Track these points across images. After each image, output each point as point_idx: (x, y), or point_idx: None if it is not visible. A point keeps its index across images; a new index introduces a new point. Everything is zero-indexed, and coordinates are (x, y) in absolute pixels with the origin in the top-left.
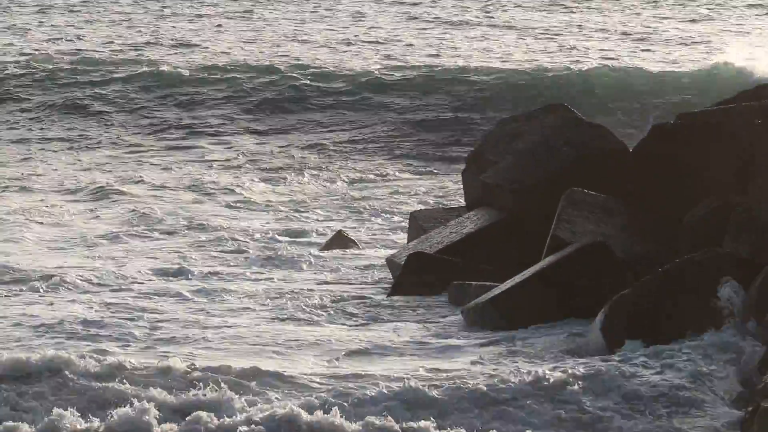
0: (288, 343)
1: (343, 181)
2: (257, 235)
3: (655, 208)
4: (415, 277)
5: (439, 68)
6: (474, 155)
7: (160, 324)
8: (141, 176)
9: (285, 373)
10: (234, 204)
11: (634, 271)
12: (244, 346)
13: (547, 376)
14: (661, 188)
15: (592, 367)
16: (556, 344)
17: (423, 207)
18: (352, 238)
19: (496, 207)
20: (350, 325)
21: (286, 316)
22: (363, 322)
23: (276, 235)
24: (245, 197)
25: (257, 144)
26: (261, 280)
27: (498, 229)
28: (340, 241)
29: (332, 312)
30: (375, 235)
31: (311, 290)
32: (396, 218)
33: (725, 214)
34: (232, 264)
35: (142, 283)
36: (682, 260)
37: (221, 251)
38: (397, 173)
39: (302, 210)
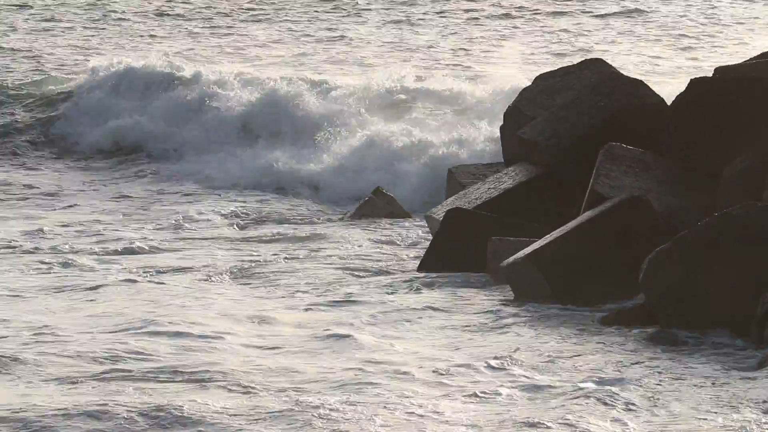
0: None
1: None
2: None
3: (694, 162)
4: (453, 233)
5: None
6: (511, 111)
7: None
8: None
9: None
10: None
11: (673, 226)
12: None
13: None
14: (699, 143)
15: None
16: None
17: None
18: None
19: (533, 163)
20: None
21: None
22: None
23: None
24: None
25: None
26: None
27: (536, 185)
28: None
29: None
30: None
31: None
32: None
33: (764, 169)
34: None
35: None
36: (720, 214)
37: None
38: None
39: None
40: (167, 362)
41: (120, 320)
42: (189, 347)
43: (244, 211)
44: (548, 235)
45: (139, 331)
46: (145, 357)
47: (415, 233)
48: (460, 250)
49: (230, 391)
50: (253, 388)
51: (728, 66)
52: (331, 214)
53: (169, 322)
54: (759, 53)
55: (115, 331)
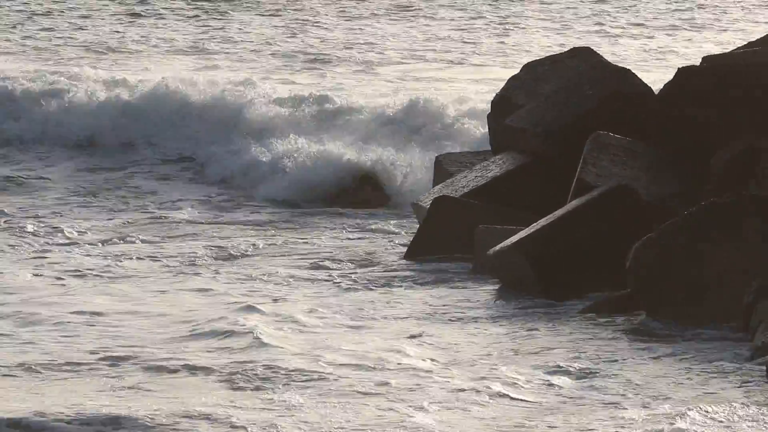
0: None
1: None
2: None
3: (681, 151)
4: (440, 221)
5: None
6: (499, 99)
7: None
8: None
9: None
10: None
11: (660, 214)
12: None
13: None
14: (686, 131)
15: None
16: None
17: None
18: None
19: (521, 151)
20: None
21: None
22: None
23: None
24: None
25: None
26: None
27: (523, 173)
28: None
29: None
30: None
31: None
32: None
33: (751, 158)
34: None
35: None
36: (707, 203)
37: None
38: None
39: None
40: None
41: None
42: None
43: None
44: (535, 224)
45: None
46: None
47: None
48: (447, 238)
49: None
50: None
51: (715, 55)
52: None
53: None
54: (747, 42)
55: None
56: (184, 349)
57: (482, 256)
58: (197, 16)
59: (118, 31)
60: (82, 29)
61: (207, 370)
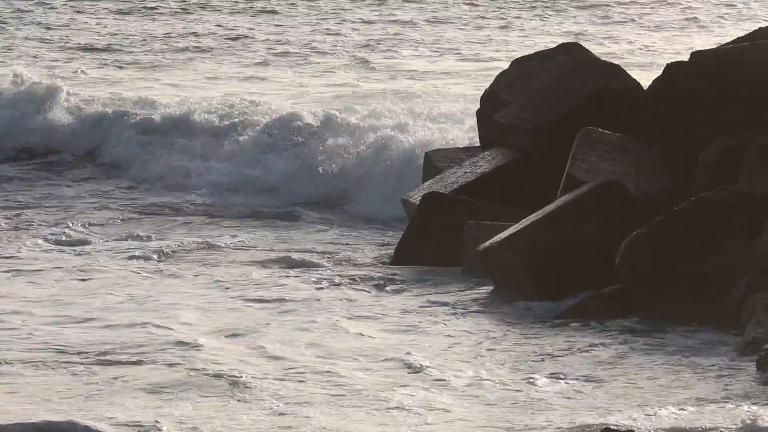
0: None
1: None
2: None
3: (670, 147)
4: (429, 217)
5: None
6: (488, 94)
7: None
8: None
9: None
10: None
11: (649, 210)
12: None
13: None
14: (675, 127)
15: None
16: None
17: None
18: None
19: (510, 146)
20: None
21: None
22: None
23: None
24: None
25: None
26: None
27: (513, 169)
28: None
29: None
30: None
31: None
32: None
33: (740, 153)
34: None
35: None
36: (696, 198)
37: None
38: None
39: None
40: None
41: None
42: None
43: None
44: (524, 220)
45: None
46: None
47: None
48: (436, 234)
49: None
50: None
51: (704, 50)
52: None
53: None
54: (734, 38)
55: None
56: None
57: (472, 252)
58: None
59: None
60: None
61: None
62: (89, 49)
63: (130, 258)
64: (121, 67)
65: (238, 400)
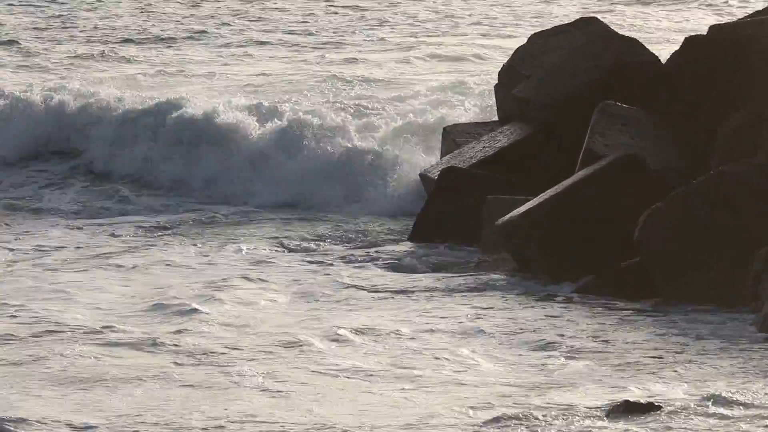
0: None
1: None
2: None
3: (688, 120)
4: (448, 192)
5: None
6: (506, 69)
7: None
8: None
9: None
10: None
11: (667, 184)
12: None
13: None
14: (693, 101)
15: None
16: None
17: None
18: None
19: (528, 121)
20: None
21: None
22: None
23: None
24: None
25: None
26: None
27: (531, 143)
28: None
29: None
30: None
31: None
32: None
33: (758, 126)
34: None
35: None
36: (715, 171)
37: None
38: None
39: None
40: None
41: None
42: None
43: None
44: (543, 194)
45: None
46: None
47: None
48: (455, 209)
49: None
50: None
51: (722, 24)
52: None
53: None
54: (753, 11)
55: None
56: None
57: (491, 226)
58: None
59: None
60: None
61: None
62: None
63: None
64: None
65: None
